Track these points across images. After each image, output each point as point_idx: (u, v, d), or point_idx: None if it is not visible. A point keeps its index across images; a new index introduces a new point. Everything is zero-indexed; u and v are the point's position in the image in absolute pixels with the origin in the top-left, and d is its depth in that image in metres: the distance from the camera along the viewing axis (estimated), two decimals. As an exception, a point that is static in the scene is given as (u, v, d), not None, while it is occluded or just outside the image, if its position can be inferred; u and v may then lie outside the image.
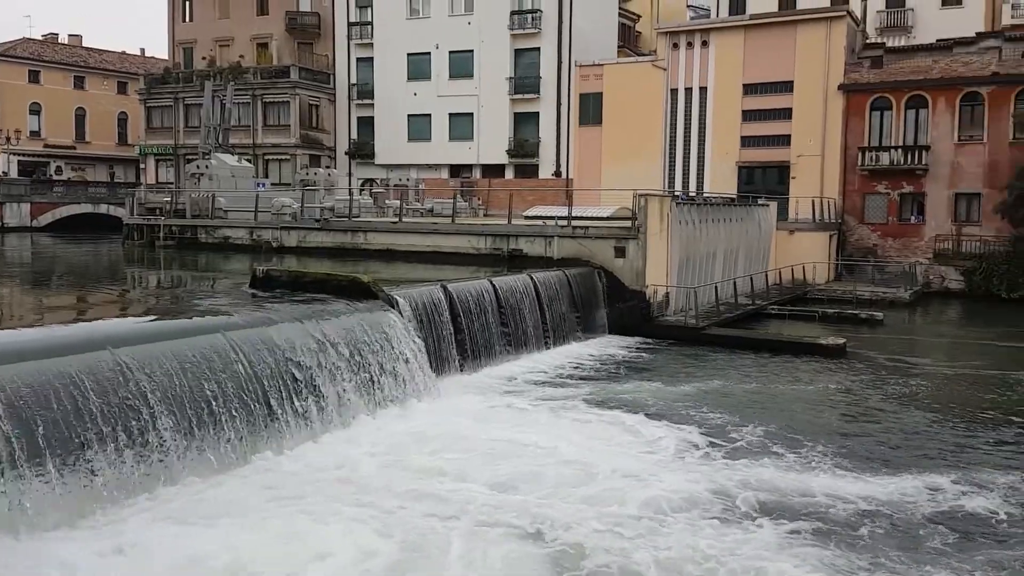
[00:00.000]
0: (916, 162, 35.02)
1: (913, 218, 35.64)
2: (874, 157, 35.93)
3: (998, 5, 39.80)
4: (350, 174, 47.76)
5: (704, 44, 39.57)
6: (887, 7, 42.05)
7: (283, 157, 47.33)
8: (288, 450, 12.31)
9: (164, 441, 10.77)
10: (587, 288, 23.29)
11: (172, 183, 46.88)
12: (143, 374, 10.94)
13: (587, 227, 24.76)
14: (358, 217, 30.92)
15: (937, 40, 37.18)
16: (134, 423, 10.51)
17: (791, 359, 21.04)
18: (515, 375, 18.43)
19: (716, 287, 26.55)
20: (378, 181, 44.43)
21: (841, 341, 21.89)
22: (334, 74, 48.77)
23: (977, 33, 36.63)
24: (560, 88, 42.86)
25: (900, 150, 35.43)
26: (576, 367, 19.62)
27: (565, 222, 24.99)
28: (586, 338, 22.45)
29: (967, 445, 13.94)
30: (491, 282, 20.16)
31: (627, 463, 12.41)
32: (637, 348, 22.09)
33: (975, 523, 10.62)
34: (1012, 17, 39.14)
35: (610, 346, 22.11)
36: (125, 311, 17.79)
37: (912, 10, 41.42)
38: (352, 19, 48.07)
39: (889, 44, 38.94)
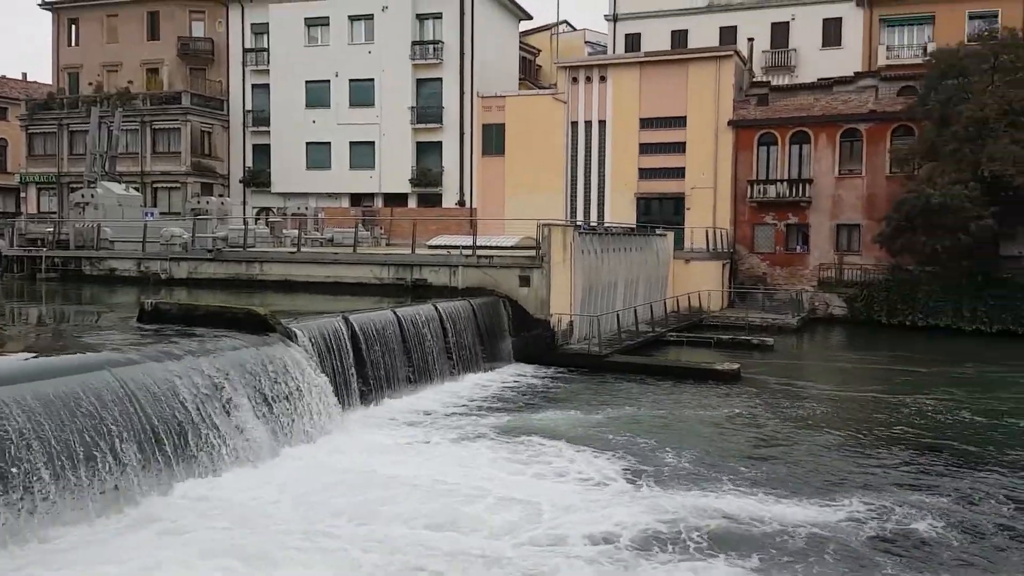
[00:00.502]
0: (800, 195, 36.83)
1: (799, 248, 37.38)
2: (762, 190, 37.59)
3: (874, 47, 42.50)
4: (244, 203, 46.43)
5: (602, 79, 40.65)
6: (772, 47, 44.25)
7: (173, 185, 45.61)
8: (178, 491, 11.67)
9: (45, 485, 10.00)
10: (492, 317, 23.27)
11: (55, 213, 44.40)
12: (20, 414, 10.15)
13: (492, 256, 24.80)
14: (253, 247, 30.03)
15: (818, 79, 39.36)
16: (14, 469, 9.73)
17: (691, 385, 21.56)
18: (422, 407, 18.17)
19: (618, 315, 27.02)
20: (274, 210, 43.33)
21: (736, 366, 22.59)
22: (228, 100, 47.52)
23: (855, 73, 39.00)
24: (463, 118, 43.09)
25: (786, 183, 37.19)
26: (484, 397, 19.49)
27: (470, 251, 24.98)
28: (492, 368, 22.40)
29: (874, 467, 14.48)
30: (395, 313, 19.88)
31: (559, 496, 12.33)
32: (543, 377, 22.17)
33: (914, 544, 10.95)
34: (887, 58, 41.82)
35: (516, 375, 22.12)
36: (1, 348, 16.58)
37: (795, 50, 43.72)
38: (248, 45, 47.08)
39: (774, 83, 40.93)
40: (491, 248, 26.13)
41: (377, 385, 18.16)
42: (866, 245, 35.35)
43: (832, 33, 43.47)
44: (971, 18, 41.09)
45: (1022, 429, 17.24)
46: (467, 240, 26.20)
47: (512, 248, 26.80)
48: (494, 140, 42.28)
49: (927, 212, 30.04)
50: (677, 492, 12.68)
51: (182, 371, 12.94)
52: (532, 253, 24.41)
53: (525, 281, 23.96)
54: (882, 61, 41.72)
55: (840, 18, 43.28)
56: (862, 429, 17.23)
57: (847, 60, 42.12)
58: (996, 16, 40.14)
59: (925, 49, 39.32)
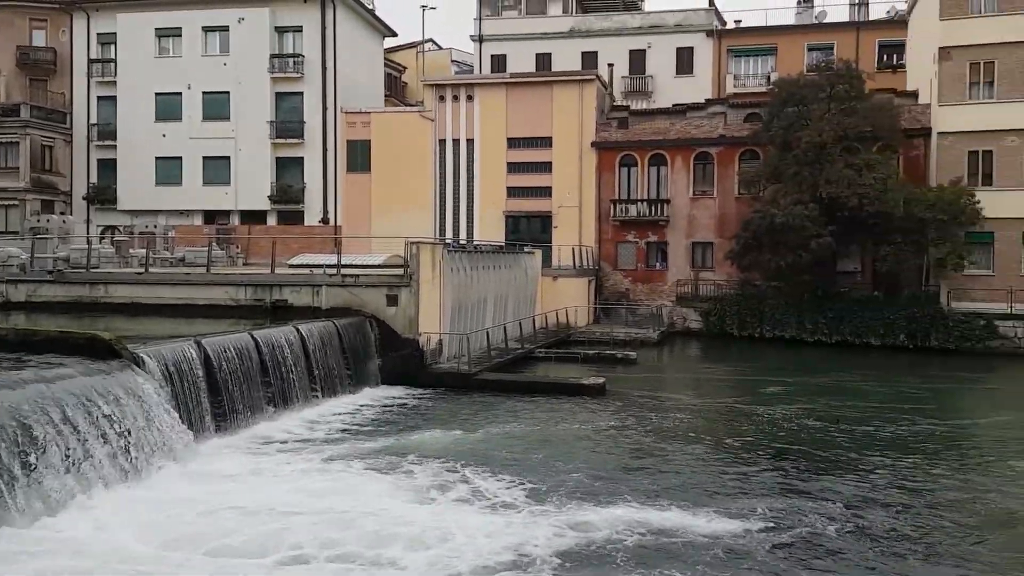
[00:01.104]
0: (659, 214, 38.30)
1: (658, 265, 38.81)
2: (624, 209, 38.81)
3: (723, 75, 45.02)
4: (88, 221, 43.41)
5: (469, 98, 40.86)
6: (631, 73, 45.96)
7: (11, 203, 42.06)
8: (19, 526, 10.59)
9: None
10: (358, 338, 22.68)
11: None
12: None
13: (357, 275, 24.22)
14: (98, 268, 28.03)
15: (674, 105, 41.11)
16: None
17: (560, 400, 21.79)
18: (282, 433, 17.39)
19: (487, 333, 27.02)
20: (121, 228, 40.70)
21: (601, 381, 23.05)
22: (71, 113, 44.45)
23: (706, 99, 41.03)
24: (326, 133, 42.14)
25: (645, 203, 38.57)
26: (350, 421, 18.91)
27: (334, 270, 24.28)
28: (358, 390, 21.81)
29: (753, 474, 15.03)
30: (252, 336, 18.99)
31: (464, 521, 11.96)
32: (413, 397, 21.78)
33: (822, 550, 11.31)
34: (735, 86, 44.41)
35: (385, 397, 21.62)
36: None
37: (652, 77, 45.63)
38: (93, 55, 44.26)
39: (633, 107, 42.43)
40: (357, 267, 25.53)
41: (233, 412, 17.25)
42: (719, 262, 37.12)
43: (685, 61, 45.66)
44: (810, 50, 44.28)
45: (861, 433, 18.42)
46: (331, 259, 25.47)
47: (379, 267, 26.30)
48: (359, 157, 41.55)
49: (772, 231, 31.88)
50: (582, 507, 12.69)
51: (17, 401, 11.78)
52: (400, 272, 24.02)
53: (393, 300, 23.53)
54: (730, 89, 44.22)
55: (692, 47, 45.55)
56: (727, 437, 17.97)
57: (699, 87, 44.32)
58: (832, 48, 43.42)
59: (769, 78, 42.00)
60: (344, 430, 18.00)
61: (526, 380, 24.34)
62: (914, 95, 36.39)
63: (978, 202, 31.31)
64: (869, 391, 23.77)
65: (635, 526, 11.93)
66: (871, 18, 45.50)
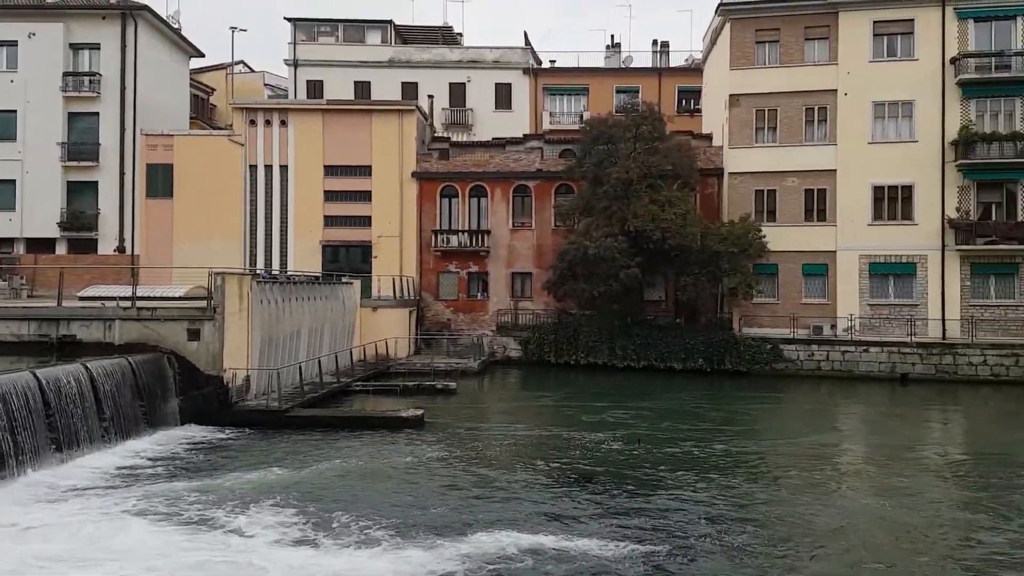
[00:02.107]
0: (480, 244, 38.84)
1: (479, 294, 39.26)
2: (445, 239, 39.02)
3: (540, 112, 46.71)
4: None
5: (283, 123, 39.65)
6: (451, 105, 46.59)
7: None
8: None
9: None
10: (155, 376, 21.12)
11: None
12: None
13: (155, 308, 22.62)
14: None
15: (493, 138, 42.03)
16: None
17: (378, 434, 21.31)
18: (65, 481, 15.81)
19: (300, 367, 26.07)
20: None
21: (419, 412, 22.83)
22: None
23: (524, 135, 42.26)
24: (123, 157, 39.38)
25: (467, 233, 39.00)
26: (144, 464, 17.50)
27: (129, 303, 22.53)
28: (155, 431, 20.27)
29: (582, 499, 15.31)
30: (35, 374, 17.22)
31: (255, 560, 11.29)
32: (217, 438, 20.52)
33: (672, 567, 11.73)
34: (550, 123, 46.17)
35: (183, 438, 20.23)
36: None
37: (472, 110, 46.49)
38: None
39: (454, 139, 42.98)
40: (155, 299, 23.83)
41: (11, 458, 15.49)
42: (537, 292, 38.10)
43: (504, 97, 46.93)
44: (618, 92, 46.88)
45: (668, 453, 19.37)
46: (126, 290, 23.62)
47: (180, 299, 24.68)
48: (161, 181, 38.98)
49: (585, 262, 33.19)
50: (435, 543, 12.52)
51: None
52: (203, 304, 22.69)
53: (195, 335, 22.15)
54: (547, 125, 45.91)
55: (510, 84, 46.92)
56: (547, 463, 18.29)
57: (517, 122, 45.67)
58: (638, 91, 46.24)
59: (581, 116, 43.96)
60: (135, 475, 16.63)
61: (341, 415, 23.65)
62: (709, 137, 39.36)
63: (764, 236, 34.22)
64: (672, 412, 25.09)
65: (471, 558, 11.86)
66: (671, 65, 48.90)
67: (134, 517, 13.69)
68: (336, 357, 29.89)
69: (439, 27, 51.22)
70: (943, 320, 33.42)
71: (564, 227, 37.87)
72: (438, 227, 39.33)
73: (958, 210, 33.82)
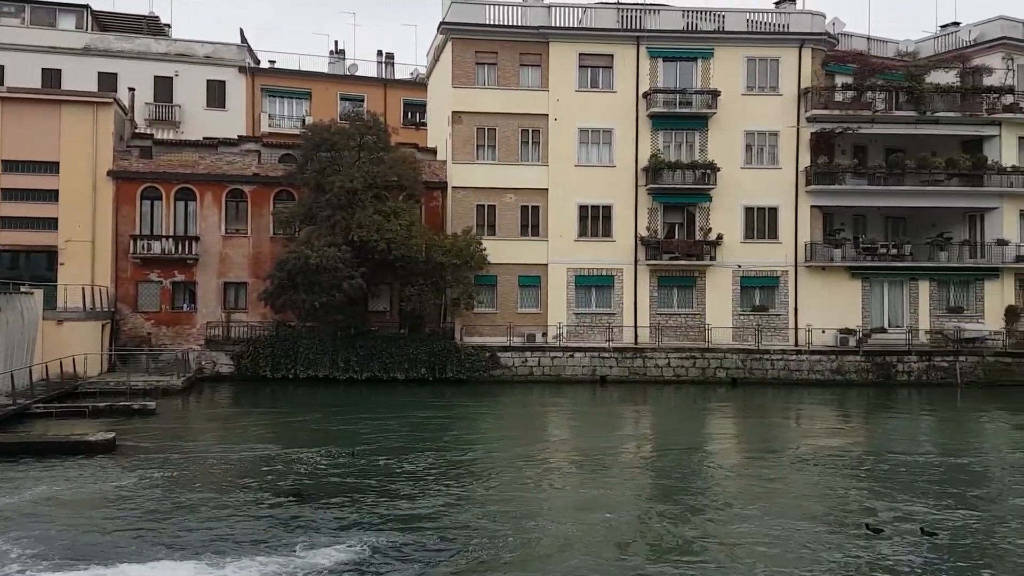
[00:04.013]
0: (187, 252, 35.96)
1: (186, 306, 36.31)
2: (146, 246, 35.65)
3: (257, 113, 44.45)
4: None
5: (-53, 108, 33.94)
6: (156, 100, 42.81)
7: None
8: None
9: None
10: None
11: None
12: None
13: None
14: None
15: (204, 138, 39.19)
16: None
17: (60, 461, 18.88)
18: None
19: (-40, 389, 22.28)
20: None
21: (111, 435, 20.61)
22: None
23: (240, 136, 39.95)
24: None
25: (172, 240, 35.94)
26: None
27: None
28: None
29: (266, 523, 14.30)
30: None
31: None
32: None
33: None
34: (269, 125, 44.15)
35: None
36: None
37: (180, 106, 43.10)
38: None
39: (158, 136, 39.52)
40: None
41: None
42: (253, 303, 36.08)
43: (217, 95, 44.18)
44: (342, 99, 46.19)
45: (380, 464, 19.12)
46: None
47: None
48: None
49: (307, 272, 32.06)
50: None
51: None
52: None
53: None
54: (265, 128, 43.94)
55: (224, 81, 44.31)
56: (253, 483, 17.20)
57: (233, 122, 43.18)
58: (363, 100, 45.88)
59: (304, 121, 42.64)
60: None
61: (15, 440, 20.61)
62: (433, 151, 40.06)
63: (484, 249, 35.42)
64: (393, 421, 24.96)
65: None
66: (397, 77, 49.22)
67: None
68: (12, 377, 25.99)
69: (144, 16, 47.06)
70: (635, 327, 36.86)
71: (284, 235, 36.26)
72: (138, 232, 35.84)
73: (648, 229, 37.52)
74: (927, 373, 36.12)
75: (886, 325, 38.15)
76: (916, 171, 38.14)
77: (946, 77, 39.12)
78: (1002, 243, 38.30)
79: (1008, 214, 38.69)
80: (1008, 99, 38.77)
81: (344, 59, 49.88)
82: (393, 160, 35.08)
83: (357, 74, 48.69)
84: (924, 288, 38.45)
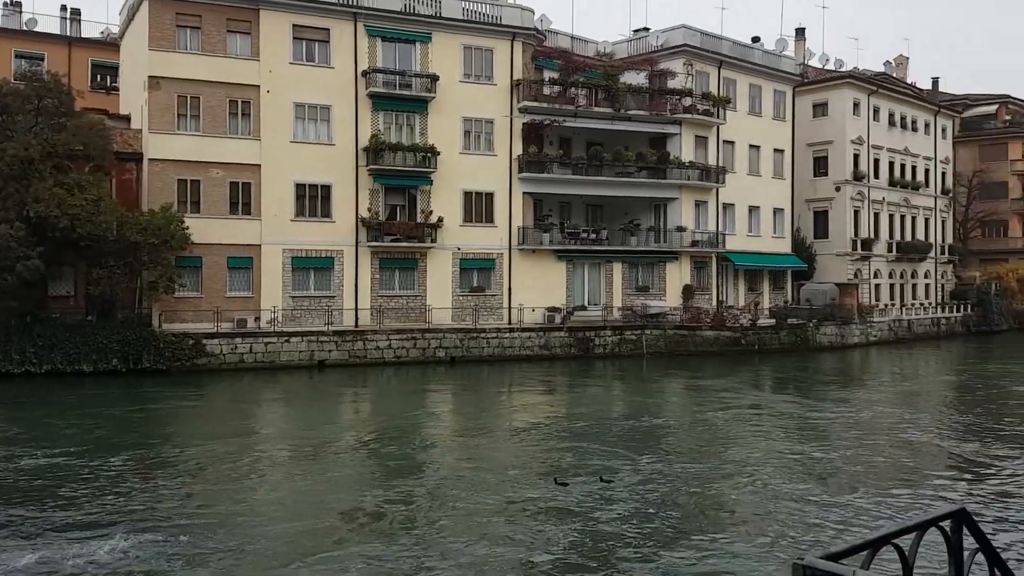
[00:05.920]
0: None
1: None
2: None
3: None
4: None
5: None
6: None
7: None
8: None
9: None
10: None
11: None
12: None
13: None
14: None
15: None
16: None
17: None
18: None
19: None
20: None
21: None
22: None
23: None
24: None
25: None
26: None
27: None
28: None
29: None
30: None
31: None
32: None
33: None
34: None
35: None
36: None
37: None
38: None
39: None
40: None
41: None
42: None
43: None
44: (17, 56, 40.50)
45: (55, 467, 17.08)
46: None
47: None
48: None
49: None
50: None
51: None
52: None
53: None
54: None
55: None
56: None
57: None
58: (43, 59, 40.47)
59: (-34, 78, 36.64)
60: None
61: None
62: (127, 119, 36.40)
63: (187, 228, 32.78)
64: (76, 417, 22.40)
65: None
66: (84, 35, 44.07)
67: None
68: None
69: None
70: (356, 310, 36.48)
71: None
72: None
73: (369, 210, 37.23)
74: (619, 346, 39.77)
75: (586, 303, 41.43)
76: (612, 163, 41.68)
77: (637, 78, 43.10)
78: (680, 229, 43.17)
79: (686, 204, 43.66)
80: (687, 101, 43.58)
81: (20, 12, 43.71)
82: (77, 127, 31.36)
83: (36, 29, 42.88)
84: (617, 269, 42.26)
